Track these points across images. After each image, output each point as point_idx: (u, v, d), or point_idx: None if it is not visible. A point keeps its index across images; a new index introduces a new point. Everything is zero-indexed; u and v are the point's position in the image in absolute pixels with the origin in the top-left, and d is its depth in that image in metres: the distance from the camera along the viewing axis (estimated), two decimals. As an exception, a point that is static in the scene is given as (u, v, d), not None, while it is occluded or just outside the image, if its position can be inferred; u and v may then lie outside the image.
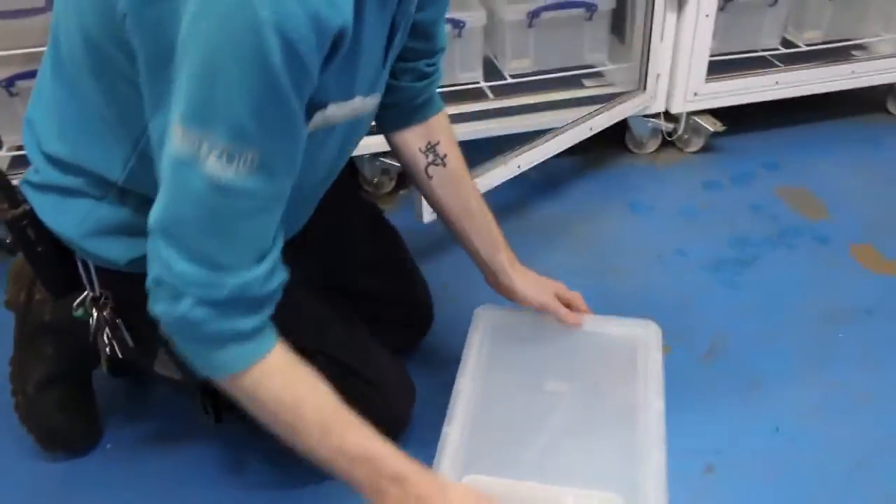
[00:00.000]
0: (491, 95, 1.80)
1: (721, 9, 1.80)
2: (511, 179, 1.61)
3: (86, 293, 0.96)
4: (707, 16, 1.73)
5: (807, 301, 1.44)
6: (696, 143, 1.93)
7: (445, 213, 1.13)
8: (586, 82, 1.88)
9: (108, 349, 0.98)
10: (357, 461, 0.81)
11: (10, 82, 1.55)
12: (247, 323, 0.76)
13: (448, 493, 0.83)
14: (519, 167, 1.62)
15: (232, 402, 0.81)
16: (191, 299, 0.72)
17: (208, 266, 0.72)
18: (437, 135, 1.10)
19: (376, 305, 1.21)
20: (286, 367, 0.80)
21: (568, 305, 1.15)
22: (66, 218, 0.88)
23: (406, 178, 1.78)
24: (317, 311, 1.06)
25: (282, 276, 0.79)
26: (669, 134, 1.92)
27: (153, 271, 0.73)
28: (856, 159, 1.88)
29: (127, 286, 0.83)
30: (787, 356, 1.32)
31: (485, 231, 1.12)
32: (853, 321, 1.39)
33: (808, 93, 1.91)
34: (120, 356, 1.00)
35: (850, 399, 1.23)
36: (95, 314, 0.97)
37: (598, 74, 1.91)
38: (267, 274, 0.76)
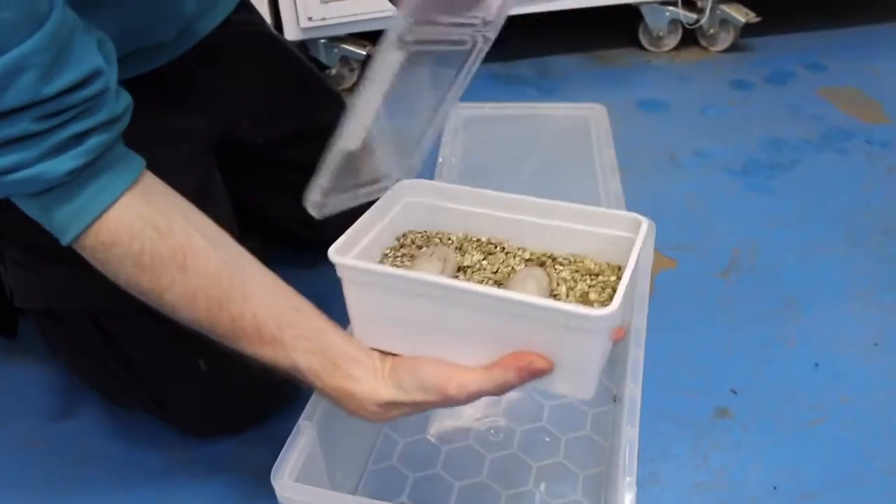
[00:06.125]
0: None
1: None
2: (506, 78, 1.30)
3: None
4: None
5: (859, 211, 1.11)
6: (724, 41, 1.60)
7: None
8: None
9: None
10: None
11: None
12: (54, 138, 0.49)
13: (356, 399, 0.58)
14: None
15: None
16: None
17: None
18: None
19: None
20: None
21: None
22: None
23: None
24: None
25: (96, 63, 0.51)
26: (691, 27, 1.59)
27: None
28: (920, 62, 1.54)
29: None
30: (833, 276, 1.00)
31: None
32: (921, 236, 1.07)
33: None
34: None
35: (917, 330, 0.92)
36: None
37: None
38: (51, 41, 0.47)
